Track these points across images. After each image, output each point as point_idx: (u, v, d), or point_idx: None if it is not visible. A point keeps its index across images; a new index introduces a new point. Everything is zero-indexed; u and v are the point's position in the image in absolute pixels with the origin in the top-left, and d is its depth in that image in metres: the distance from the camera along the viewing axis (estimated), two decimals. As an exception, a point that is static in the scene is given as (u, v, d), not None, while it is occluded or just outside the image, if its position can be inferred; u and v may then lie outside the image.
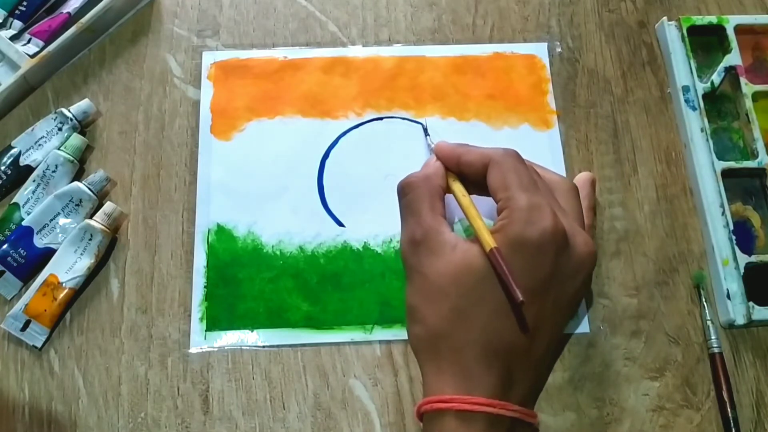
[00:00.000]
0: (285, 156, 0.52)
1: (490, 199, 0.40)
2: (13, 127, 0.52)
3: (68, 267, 0.48)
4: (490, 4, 0.57)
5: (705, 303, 0.48)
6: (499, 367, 0.36)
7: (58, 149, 0.50)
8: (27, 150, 0.51)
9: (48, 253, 0.48)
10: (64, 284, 0.47)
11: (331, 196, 0.51)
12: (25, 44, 0.53)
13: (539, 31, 0.56)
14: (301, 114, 0.53)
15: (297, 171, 0.51)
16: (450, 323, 0.37)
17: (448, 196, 0.43)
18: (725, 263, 0.48)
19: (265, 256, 0.49)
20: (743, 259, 0.48)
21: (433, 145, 0.46)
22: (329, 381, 0.46)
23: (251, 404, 0.46)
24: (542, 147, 0.52)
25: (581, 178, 0.47)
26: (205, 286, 0.48)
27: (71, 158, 0.50)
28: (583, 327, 0.48)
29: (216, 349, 0.47)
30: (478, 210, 0.41)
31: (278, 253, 0.49)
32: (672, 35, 0.55)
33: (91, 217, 0.48)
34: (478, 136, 0.53)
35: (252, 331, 0.47)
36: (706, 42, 0.56)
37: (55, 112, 0.51)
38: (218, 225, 0.50)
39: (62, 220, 0.49)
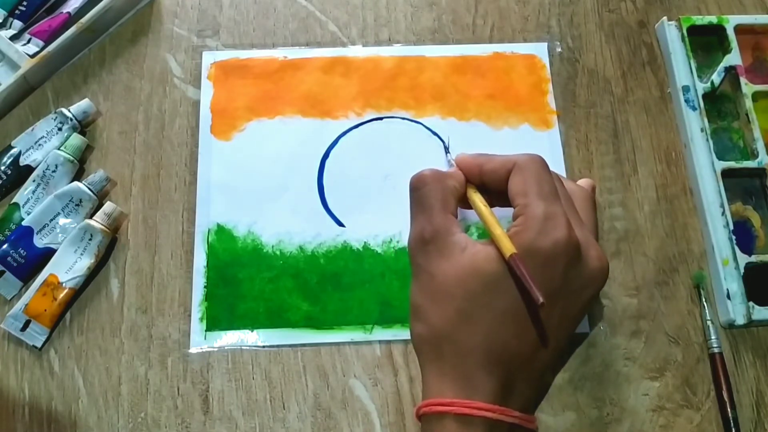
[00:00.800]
0: (285, 156, 0.52)
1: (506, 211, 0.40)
2: (13, 127, 0.52)
3: (68, 267, 0.48)
4: (490, 4, 0.57)
5: (705, 303, 0.48)
6: (500, 373, 0.36)
7: (58, 149, 0.50)
8: (27, 150, 0.51)
9: (48, 253, 0.48)
10: (64, 284, 0.47)
11: (331, 196, 0.51)
12: (25, 44, 0.53)
13: (539, 31, 0.56)
14: (301, 114, 0.53)
15: (297, 171, 0.51)
16: (454, 326, 0.36)
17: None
18: (725, 263, 0.48)
19: (265, 256, 0.49)
20: (743, 259, 0.48)
21: (453, 160, 0.46)
22: (329, 381, 0.46)
23: (251, 404, 0.46)
24: (542, 147, 0.52)
25: (582, 184, 0.46)
26: (205, 286, 0.48)
27: (71, 158, 0.50)
28: (583, 327, 0.48)
29: (216, 349, 0.47)
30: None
31: (278, 253, 0.49)
32: (672, 35, 0.55)
33: (91, 217, 0.48)
34: (478, 136, 0.53)
35: (252, 331, 0.47)
36: (706, 42, 0.56)
37: (55, 112, 0.51)
38: (218, 225, 0.50)
39: (62, 220, 0.49)
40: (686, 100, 0.53)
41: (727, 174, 0.50)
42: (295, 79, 0.54)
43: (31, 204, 0.49)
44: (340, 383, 0.46)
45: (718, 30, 0.55)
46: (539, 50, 0.56)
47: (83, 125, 0.52)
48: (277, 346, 0.47)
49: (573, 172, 0.52)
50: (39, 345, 0.47)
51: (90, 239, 0.48)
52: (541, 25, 0.57)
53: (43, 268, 0.48)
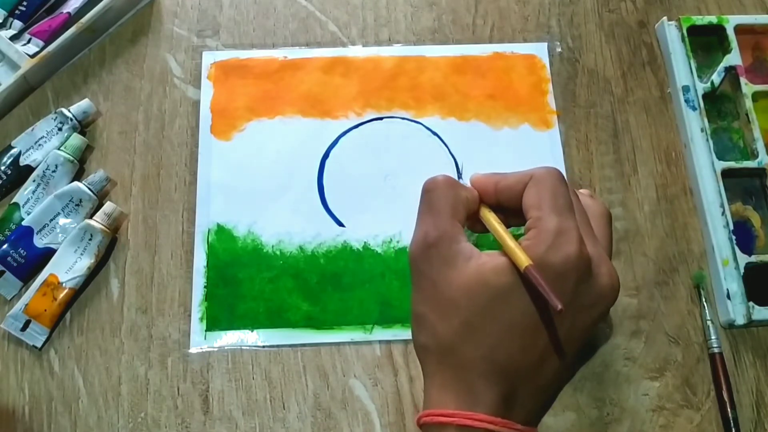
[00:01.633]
0: (285, 156, 0.52)
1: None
2: (13, 127, 0.52)
3: (68, 267, 0.47)
4: (490, 4, 0.57)
5: (705, 303, 0.48)
6: (503, 386, 0.35)
7: (58, 149, 0.50)
8: (27, 150, 0.51)
9: (48, 253, 0.48)
10: (64, 284, 0.47)
11: (331, 196, 0.51)
12: (25, 44, 0.53)
13: (539, 31, 0.56)
14: (301, 114, 0.53)
15: (297, 171, 0.51)
16: (460, 338, 0.36)
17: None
18: (725, 263, 0.48)
19: (265, 256, 0.49)
20: (743, 259, 0.48)
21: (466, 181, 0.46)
22: (329, 381, 0.46)
23: (251, 404, 0.46)
24: (542, 147, 0.52)
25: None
26: (205, 286, 0.48)
27: (71, 158, 0.50)
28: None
29: (216, 349, 0.47)
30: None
31: (278, 253, 0.49)
32: (672, 35, 0.55)
33: (91, 217, 0.48)
34: (478, 136, 0.53)
35: (252, 331, 0.47)
36: (706, 42, 0.56)
37: (55, 112, 0.51)
38: (218, 225, 0.50)
39: (62, 220, 0.49)
40: (686, 100, 0.53)
41: (727, 174, 0.50)
42: (295, 79, 0.54)
43: (31, 204, 0.49)
44: (340, 383, 0.46)
45: (718, 30, 0.55)
46: (539, 50, 0.56)
47: (83, 125, 0.52)
48: (277, 346, 0.47)
49: (573, 172, 0.52)
50: (39, 345, 0.47)
51: (90, 239, 0.48)
52: (541, 25, 0.57)
53: (43, 268, 0.48)
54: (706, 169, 0.51)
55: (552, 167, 0.38)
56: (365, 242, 0.50)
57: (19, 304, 0.47)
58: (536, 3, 0.57)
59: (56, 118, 0.51)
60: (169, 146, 0.52)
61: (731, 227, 0.49)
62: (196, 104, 0.53)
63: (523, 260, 0.35)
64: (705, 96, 0.53)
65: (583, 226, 0.37)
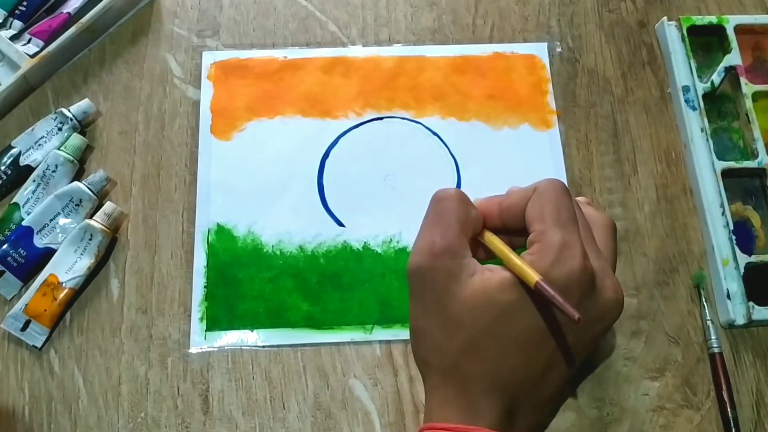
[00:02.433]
0: (285, 156, 0.52)
1: None
2: (13, 127, 0.52)
3: (68, 267, 0.47)
4: (490, 4, 0.57)
5: (705, 303, 0.48)
6: (506, 400, 0.35)
7: (58, 149, 0.50)
8: (27, 150, 0.51)
9: (48, 253, 0.48)
10: (64, 284, 0.47)
11: (331, 196, 0.51)
12: (25, 44, 0.53)
13: (539, 31, 0.56)
14: (301, 114, 0.53)
15: (297, 171, 0.51)
16: (464, 355, 0.35)
17: None
18: (725, 263, 0.48)
19: (265, 256, 0.49)
20: (743, 259, 0.48)
21: None
22: (329, 381, 0.46)
23: (251, 404, 0.46)
24: (542, 147, 0.52)
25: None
26: (205, 286, 0.48)
27: (71, 158, 0.50)
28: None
29: (216, 349, 0.47)
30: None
31: (278, 253, 0.49)
32: (672, 35, 0.55)
33: (91, 217, 0.48)
34: (478, 136, 0.53)
35: (252, 331, 0.47)
36: (706, 42, 0.56)
37: (55, 112, 0.51)
38: (218, 225, 0.50)
39: (62, 220, 0.49)
40: (686, 100, 0.53)
41: (727, 174, 0.50)
42: (295, 79, 0.54)
43: (31, 204, 0.49)
44: (340, 383, 0.46)
45: (718, 30, 0.55)
46: (539, 50, 0.56)
47: (83, 125, 0.52)
48: (277, 346, 0.47)
49: (573, 172, 0.52)
50: (39, 345, 0.47)
51: (90, 239, 0.48)
52: (541, 25, 0.57)
53: (43, 268, 0.48)
54: (706, 169, 0.51)
55: (555, 179, 0.37)
56: (365, 242, 0.50)
57: (19, 304, 0.47)
58: (536, 3, 0.57)
59: (56, 118, 0.51)
60: (169, 146, 0.52)
61: (731, 227, 0.49)
62: (196, 104, 0.53)
63: (532, 276, 0.34)
64: (705, 96, 0.53)
65: (587, 238, 0.37)
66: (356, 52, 0.55)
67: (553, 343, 0.35)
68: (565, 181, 0.51)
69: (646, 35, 0.57)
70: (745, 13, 0.57)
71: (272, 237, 0.50)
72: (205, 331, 0.47)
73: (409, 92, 0.54)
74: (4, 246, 0.48)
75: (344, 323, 0.47)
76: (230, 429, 0.45)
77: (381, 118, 0.53)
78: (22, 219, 0.49)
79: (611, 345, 0.48)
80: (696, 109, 0.53)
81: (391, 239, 0.50)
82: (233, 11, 0.57)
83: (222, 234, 0.50)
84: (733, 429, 0.45)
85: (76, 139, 0.50)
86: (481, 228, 0.39)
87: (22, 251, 0.48)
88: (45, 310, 0.47)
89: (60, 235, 0.49)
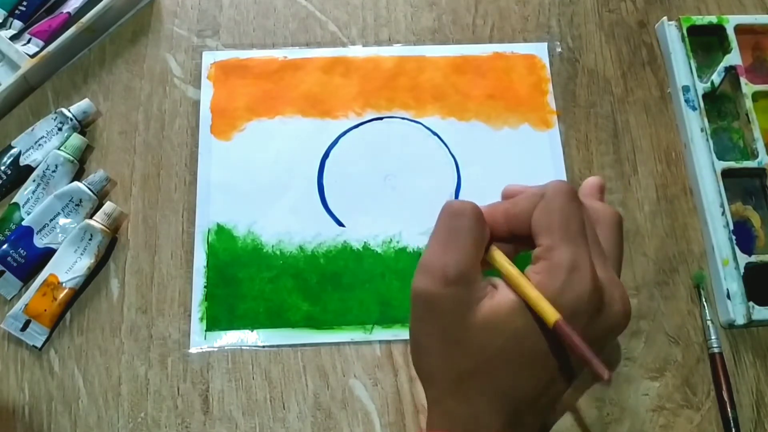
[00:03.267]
0: (285, 156, 0.52)
1: None
2: (13, 127, 0.52)
3: (68, 267, 0.47)
4: (490, 4, 0.57)
5: (705, 303, 0.48)
6: (509, 411, 0.35)
7: (58, 149, 0.50)
8: (27, 150, 0.51)
9: (48, 253, 0.48)
10: (64, 284, 0.47)
11: (331, 196, 0.51)
12: (25, 44, 0.53)
13: (539, 31, 0.56)
14: (301, 114, 0.53)
15: (297, 171, 0.51)
16: (469, 376, 0.35)
17: None
18: (725, 263, 0.48)
19: (265, 256, 0.49)
20: (743, 259, 0.48)
21: None
22: (329, 381, 0.46)
23: (251, 404, 0.46)
24: (542, 147, 0.52)
25: (588, 185, 0.41)
26: (205, 286, 0.48)
27: (71, 158, 0.50)
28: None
29: (216, 349, 0.47)
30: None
31: (278, 253, 0.49)
32: (672, 35, 0.55)
33: (91, 217, 0.48)
34: (478, 136, 0.53)
35: (252, 331, 0.47)
36: (706, 42, 0.56)
37: (55, 112, 0.51)
38: (218, 225, 0.50)
39: (62, 220, 0.49)
40: (686, 100, 0.53)
41: (727, 174, 0.50)
42: (295, 79, 0.54)
43: (31, 204, 0.49)
44: (340, 383, 0.46)
45: (718, 30, 0.55)
46: (539, 50, 0.56)
47: (83, 125, 0.52)
48: (277, 346, 0.47)
49: (573, 172, 0.52)
50: (39, 345, 0.47)
51: (90, 239, 0.48)
52: (541, 25, 0.57)
53: (43, 268, 0.48)
54: (706, 169, 0.51)
55: (563, 183, 0.36)
56: (365, 242, 0.50)
57: (19, 304, 0.47)
58: (536, 3, 0.57)
59: (56, 118, 0.51)
60: (169, 146, 0.52)
61: (731, 227, 0.49)
62: (196, 104, 0.53)
63: (551, 314, 0.33)
64: (705, 96, 0.53)
65: (594, 249, 0.35)
66: (356, 52, 0.55)
67: (559, 358, 0.34)
68: (565, 180, 0.51)
69: (646, 35, 0.57)
70: (745, 13, 0.57)
71: (272, 237, 0.50)
72: (205, 331, 0.47)
73: (409, 92, 0.54)
74: (4, 246, 0.48)
75: (344, 323, 0.47)
76: (230, 429, 0.45)
77: (381, 118, 0.53)
78: (22, 219, 0.49)
79: (618, 350, 0.47)
80: (696, 109, 0.53)
81: (391, 239, 0.50)
82: (233, 11, 0.57)
83: (222, 234, 0.50)
84: (733, 429, 0.45)
85: (76, 139, 0.50)
86: (489, 243, 0.37)
87: (22, 251, 0.48)
88: (45, 310, 0.47)
89: (60, 235, 0.49)
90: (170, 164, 0.52)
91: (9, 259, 0.48)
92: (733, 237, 0.49)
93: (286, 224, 0.50)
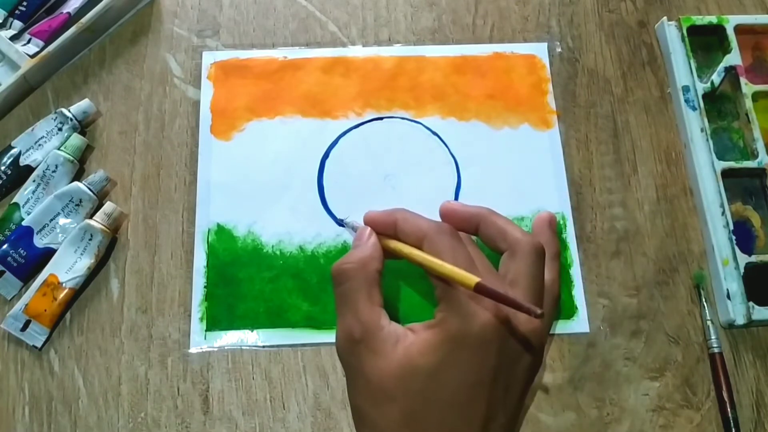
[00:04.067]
0: (285, 156, 0.52)
1: None
2: (13, 127, 0.52)
3: (68, 267, 0.47)
4: (490, 4, 0.57)
5: (705, 303, 0.48)
6: None
7: (58, 149, 0.50)
8: (27, 150, 0.51)
9: (48, 253, 0.48)
10: (64, 284, 0.47)
11: (331, 196, 0.51)
12: (25, 44, 0.53)
13: (539, 31, 0.56)
14: (301, 114, 0.53)
15: (297, 171, 0.51)
16: (403, 427, 0.35)
17: None
18: (725, 263, 0.48)
19: (265, 256, 0.49)
20: (743, 259, 0.48)
21: (353, 223, 0.47)
22: (329, 381, 0.46)
23: (251, 404, 0.46)
24: (542, 147, 0.52)
25: (537, 220, 0.45)
26: (205, 286, 0.48)
27: (71, 158, 0.50)
28: (583, 327, 0.48)
29: (216, 349, 0.47)
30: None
31: (278, 253, 0.49)
32: (672, 35, 0.55)
33: (91, 217, 0.48)
34: (478, 136, 0.53)
35: (252, 331, 0.47)
36: (706, 42, 0.56)
37: (55, 112, 0.51)
38: (218, 225, 0.50)
39: (62, 220, 0.49)
40: (686, 100, 0.53)
41: (727, 174, 0.50)
42: (295, 79, 0.54)
43: (31, 204, 0.49)
44: (340, 383, 0.46)
45: (718, 30, 0.55)
46: (539, 50, 0.56)
47: (83, 125, 0.52)
48: (277, 346, 0.47)
49: (573, 172, 0.52)
50: (39, 345, 0.47)
51: (90, 239, 0.48)
52: (541, 25, 0.57)
53: (43, 268, 0.48)
54: (706, 169, 0.51)
55: (442, 224, 0.39)
56: (365, 242, 0.49)
57: (19, 304, 0.47)
58: (536, 3, 0.57)
59: (56, 118, 0.51)
60: (169, 146, 0.52)
61: (731, 227, 0.49)
62: (196, 104, 0.53)
63: (470, 279, 0.34)
64: (705, 96, 0.53)
65: (489, 277, 0.37)
66: (356, 52, 0.55)
67: (486, 395, 0.35)
68: (565, 180, 0.51)
69: (646, 35, 0.57)
70: (745, 13, 0.57)
71: (272, 237, 0.50)
72: (205, 331, 0.47)
73: (409, 92, 0.54)
74: (4, 246, 0.48)
75: (344, 323, 0.47)
76: (230, 429, 0.45)
77: (381, 118, 0.53)
78: (22, 219, 0.49)
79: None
80: (696, 109, 0.53)
81: (391, 239, 0.50)
82: (233, 11, 0.57)
83: (222, 234, 0.50)
84: (733, 429, 0.45)
85: (76, 139, 0.50)
86: (381, 262, 0.40)
87: (22, 251, 0.48)
88: (45, 310, 0.47)
89: (60, 235, 0.49)
90: (170, 164, 0.52)
91: (9, 259, 0.48)
92: (733, 237, 0.49)
93: (286, 224, 0.50)
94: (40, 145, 0.51)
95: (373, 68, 0.55)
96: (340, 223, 0.50)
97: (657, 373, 0.47)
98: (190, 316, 0.47)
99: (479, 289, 0.34)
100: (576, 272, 0.49)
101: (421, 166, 0.52)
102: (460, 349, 0.35)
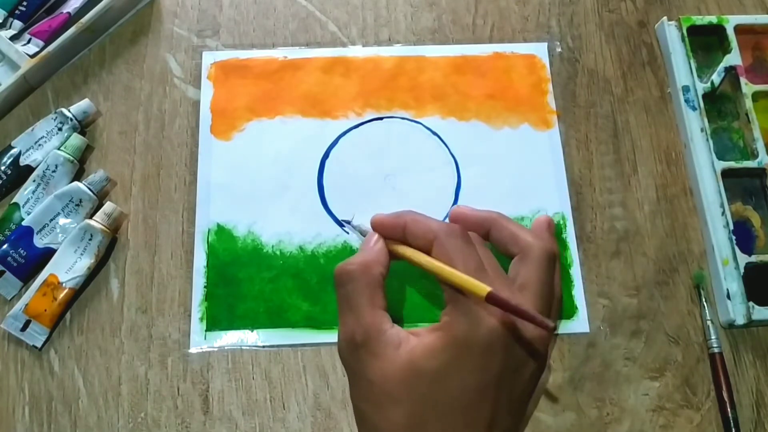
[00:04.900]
0: (285, 156, 0.52)
1: None
2: (13, 127, 0.52)
3: (68, 267, 0.48)
4: (490, 4, 0.57)
5: (705, 303, 0.48)
6: None
7: (58, 149, 0.50)
8: (27, 150, 0.51)
9: (48, 253, 0.48)
10: (64, 284, 0.47)
11: (331, 196, 0.51)
12: (25, 44, 0.53)
13: (539, 31, 0.56)
14: (301, 114, 0.53)
15: (297, 171, 0.51)
16: (405, 430, 0.35)
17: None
18: (725, 263, 0.48)
19: (265, 256, 0.49)
20: (743, 259, 0.48)
21: (359, 227, 0.47)
22: (329, 381, 0.46)
23: (251, 404, 0.46)
24: (542, 147, 0.52)
25: (536, 223, 0.45)
26: (205, 286, 0.48)
27: (71, 158, 0.50)
28: (583, 327, 0.48)
29: (216, 349, 0.47)
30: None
31: (278, 253, 0.49)
32: (672, 35, 0.55)
33: (91, 217, 0.48)
34: (478, 136, 0.53)
35: (252, 331, 0.47)
36: (706, 42, 0.56)
37: (55, 112, 0.51)
38: (218, 225, 0.50)
39: (62, 220, 0.49)
40: (686, 100, 0.53)
41: (727, 174, 0.50)
42: (295, 79, 0.54)
43: (31, 204, 0.49)
44: (340, 383, 0.46)
45: (718, 30, 0.55)
46: (539, 50, 0.56)
47: (83, 125, 0.52)
48: (277, 346, 0.47)
49: (573, 172, 0.52)
50: (39, 345, 0.47)
51: (90, 239, 0.48)
52: (541, 25, 0.57)
53: (43, 268, 0.48)
54: (706, 169, 0.51)
55: (454, 225, 0.39)
56: (365, 242, 0.49)
57: (19, 304, 0.47)
58: (536, 3, 0.57)
59: (56, 118, 0.51)
60: (169, 146, 0.52)
61: (731, 227, 0.49)
62: (196, 104, 0.53)
63: (481, 289, 0.34)
64: (705, 96, 0.53)
65: (499, 281, 0.37)
66: (356, 52, 0.55)
67: (490, 400, 0.35)
68: (565, 180, 0.51)
69: (646, 35, 0.57)
70: (745, 13, 0.57)
71: (272, 237, 0.50)
72: (205, 331, 0.47)
73: (409, 92, 0.54)
74: (4, 246, 0.48)
75: (344, 323, 0.47)
76: (230, 429, 0.45)
77: (381, 118, 0.53)
78: (22, 219, 0.49)
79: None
80: (696, 109, 0.53)
81: (391, 239, 0.50)
82: (233, 11, 0.57)
83: (222, 234, 0.50)
84: (733, 429, 0.45)
85: (76, 139, 0.50)
86: (386, 266, 0.40)
87: (22, 251, 0.48)
88: (45, 310, 0.47)
89: (60, 235, 0.49)
90: (170, 164, 0.52)
91: (9, 259, 0.48)
92: (733, 237, 0.49)
93: (286, 224, 0.50)
94: (40, 145, 0.51)
95: (373, 68, 0.55)
96: (341, 223, 0.50)
97: (657, 373, 0.47)
98: (190, 316, 0.47)
99: (491, 299, 0.34)
100: (576, 272, 0.49)
101: (421, 166, 0.52)
102: (466, 354, 0.35)
